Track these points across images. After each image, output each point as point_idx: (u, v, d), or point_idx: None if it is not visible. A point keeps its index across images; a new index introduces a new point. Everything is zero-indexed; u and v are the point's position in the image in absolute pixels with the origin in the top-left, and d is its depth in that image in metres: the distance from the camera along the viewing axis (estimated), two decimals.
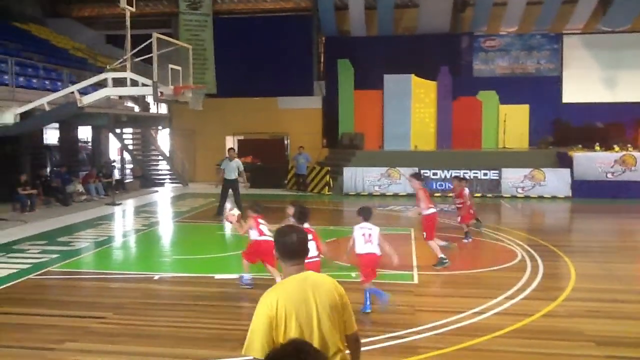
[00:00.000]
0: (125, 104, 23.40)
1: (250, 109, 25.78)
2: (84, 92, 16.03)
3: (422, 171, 20.25)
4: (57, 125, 20.95)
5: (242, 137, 26.31)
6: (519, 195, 20.07)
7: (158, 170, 26.77)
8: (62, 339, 6.60)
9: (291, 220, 7.83)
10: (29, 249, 11.59)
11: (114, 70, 15.89)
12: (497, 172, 20.29)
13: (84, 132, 24.09)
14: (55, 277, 9.54)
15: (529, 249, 11.37)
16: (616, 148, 20.28)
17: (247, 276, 8.67)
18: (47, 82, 18.62)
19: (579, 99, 25.34)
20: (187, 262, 10.75)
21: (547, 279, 9.13)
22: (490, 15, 26.02)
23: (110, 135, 24.17)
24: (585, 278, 9.24)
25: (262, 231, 8.48)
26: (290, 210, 8.01)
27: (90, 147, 24.47)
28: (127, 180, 23.98)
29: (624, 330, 6.86)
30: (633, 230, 14.87)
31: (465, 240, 12.21)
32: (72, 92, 15.72)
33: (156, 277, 9.46)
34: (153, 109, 26.15)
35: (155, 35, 14.62)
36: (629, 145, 20.65)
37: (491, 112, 23.89)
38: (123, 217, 17.00)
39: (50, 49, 22.73)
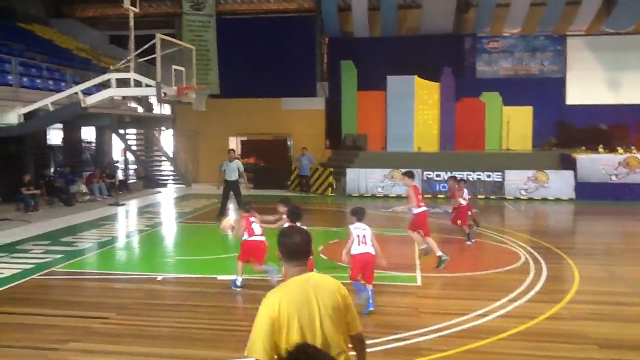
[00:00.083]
0: (128, 104, 23.43)
1: (253, 110, 25.78)
2: (87, 92, 16.08)
3: (425, 173, 20.32)
4: (60, 125, 20.99)
5: (245, 138, 26.34)
6: (522, 197, 20.03)
7: (161, 170, 26.81)
8: (65, 339, 6.61)
9: (284, 218, 7.86)
10: (32, 249, 11.61)
11: (118, 70, 15.94)
12: (500, 173, 20.25)
13: (88, 133, 24.12)
14: (58, 278, 9.55)
15: (533, 251, 11.35)
16: (620, 150, 20.23)
17: (239, 280, 8.66)
18: (50, 83, 18.66)
19: (582, 101, 25.30)
20: (190, 263, 10.75)
21: (550, 281, 9.11)
22: (493, 16, 26.00)
23: (114, 135, 24.22)
24: (589, 281, 9.21)
25: (252, 231, 8.54)
26: (282, 208, 8.06)
27: (93, 147, 24.51)
28: (131, 181, 24.02)
29: (628, 333, 6.84)
30: (637, 233, 14.82)
31: (469, 242, 12.19)
32: (76, 93, 15.78)
33: (159, 278, 9.47)
34: (156, 110, 26.17)
35: (158, 35, 14.66)
36: (632, 147, 20.60)
37: (494, 114, 23.86)
38: (126, 218, 17.02)
39: (54, 49, 22.78)
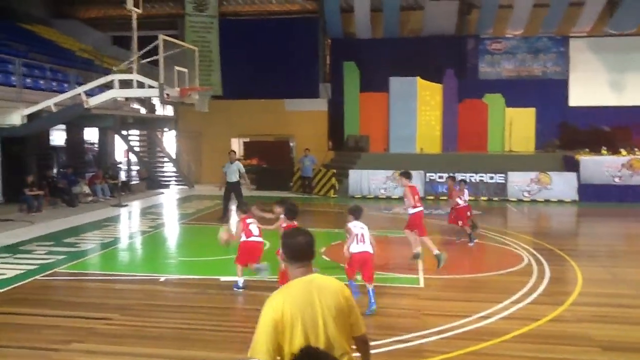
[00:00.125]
0: (131, 105, 23.46)
1: (256, 111, 25.80)
2: (90, 93, 16.11)
3: (427, 174, 20.31)
4: (63, 126, 21.02)
5: (248, 139, 26.38)
6: (525, 199, 20.01)
7: (164, 171, 26.84)
8: (67, 340, 6.62)
9: (282, 218, 7.90)
10: (35, 250, 11.63)
11: (121, 71, 15.96)
12: (503, 175, 20.23)
13: (91, 134, 24.16)
14: (61, 278, 9.56)
15: (536, 253, 11.33)
16: (623, 152, 20.21)
17: (240, 282, 8.69)
18: (53, 84, 18.69)
19: (585, 102, 25.26)
20: (192, 264, 10.75)
21: (553, 283, 9.09)
22: (496, 17, 25.99)
23: (117, 136, 24.25)
24: (592, 283, 9.19)
25: (250, 232, 8.60)
26: (278, 209, 8.14)
27: (96, 148, 24.54)
28: (133, 182, 24.05)
29: (631, 336, 6.82)
30: None
31: (470, 244, 12.17)
32: (79, 94, 15.80)
33: (162, 279, 9.48)
34: (159, 111, 26.22)
35: (161, 37, 14.69)
36: (635, 149, 20.57)
37: (497, 115, 23.84)
38: (129, 219, 17.03)
39: (56, 50, 22.81)
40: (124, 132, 24.01)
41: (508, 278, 9.48)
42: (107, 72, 17.94)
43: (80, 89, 16.00)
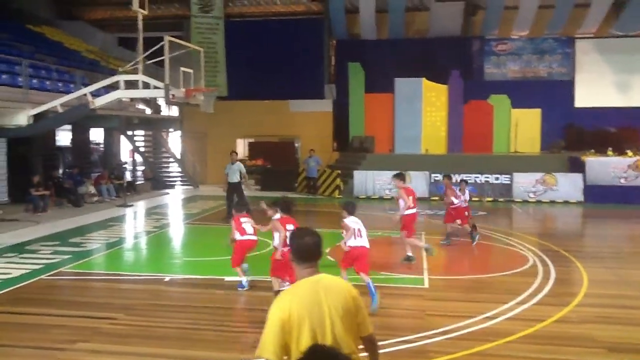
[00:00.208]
0: (136, 106, 23.54)
1: (261, 112, 25.83)
2: (96, 94, 16.17)
3: (432, 175, 20.28)
4: (69, 127, 21.10)
5: (253, 140, 26.40)
6: (530, 200, 19.96)
7: (169, 172, 26.89)
8: (73, 339, 6.64)
9: (277, 216, 7.96)
10: (41, 250, 11.68)
11: (126, 72, 16.01)
12: (508, 176, 20.19)
13: (96, 134, 24.24)
14: (67, 278, 9.60)
15: (541, 254, 11.30)
16: (629, 153, 20.12)
17: (244, 281, 8.75)
18: (60, 84, 18.77)
19: (591, 104, 25.16)
20: (197, 264, 10.77)
21: (558, 284, 9.06)
22: (501, 18, 25.91)
23: (122, 137, 24.32)
24: (598, 284, 9.17)
25: (243, 230, 8.76)
26: (270, 211, 8.26)
27: (102, 148, 24.63)
28: (138, 182, 24.11)
29: (636, 337, 6.79)
30: None
31: (474, 243, 12.15)
32: (85, 94, 15.86)
33: (167, 279, 9.50)
34: (164, 112, 26.28)
35: (167, 38, 14.72)
36: None
37: (502, 116, 23.78)
38: (134, 219, 17.08)
39: (63, 51, 22.91)
40: (130, 133, 24.07)
41: (513, 279, 9.46)
42: (113, 73, 18.01)
43: (86, 90, 16.06)
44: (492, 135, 23.79)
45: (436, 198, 19.81)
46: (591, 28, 25.99)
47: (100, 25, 28.70)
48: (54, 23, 26.60)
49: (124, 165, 24.35)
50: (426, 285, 9.12)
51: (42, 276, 9.56)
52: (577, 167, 20.07)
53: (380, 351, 6.17)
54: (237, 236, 8.77)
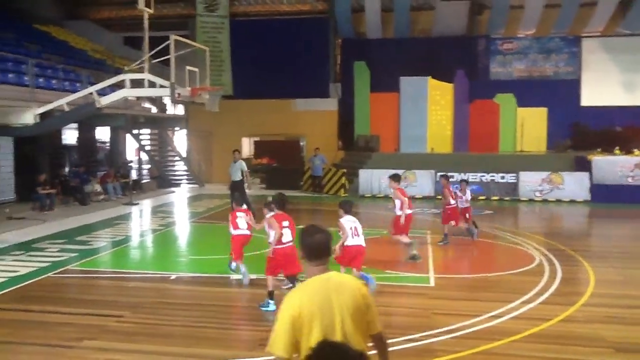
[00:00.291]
0: (142, 105, 23.58)
1: (266, 111, 25.82)
2: (102, 93, 16.20)
3: (438, 174, 20.24)
4: (75, 125, 21.17)
5: (258, 139, 26.41)
6: (536, 199, 19.90)
7: (175, 170, 26.95)
8: (80, 337, 6.66)
9: (272, 213, 8.04)
10: (48, 248, 11.73)
11: (132, 71, 16.06)
12: (514, 175, 20.13)
13: (102, 133, 24.32)
14: (73, 276, 9.65)
15: (547, 253, 11.26)
16: (636, 152, 20.03)
17: (245, 276, 8.91)
18: (66, 83, 18.83)
19: (598, 102, 25.03)
20: (203, 263, 10.80)
21: (565, 283, 9.03)
22: (507, 18, 25.85)
23: (128, 135, 24.39)
24: (604, 283, 9.13)
25: (236, 224, 9.00)
26: (265, 209, 8.43)
27: (108, 147, 24.70)
28: (144, 181, 24.17)
29: None
30: None
31: (475, 238, 12.15)
32: (91, 93, 15.90)
33: (173, 277, 9.52)
34: (170, 110, 26.33)
35: (172, 37, 14.74)
36: None
37: (508, 115, 23.72)
38: (140, 217, 17.13)
39: (69, 50, 22.99)
40: (135, 131, 24.13)
41: (519, 278, 9.43)
42: (119, 71, 18.08)
43: (92, 89, 16.10)
44: (498, 135, 23.73)
45: (441, 197, 19.76)
46: (598, 27, 25.88)
47: (106, 25, 28.77)
48: (60, 23, 26.69)
49: (129, 164, 24.42)
50: (432, 283, 9.11)
51: (49, 274, 9.61)
52: (584, 166, 19.99)
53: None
54: (231, 230, 9.02)
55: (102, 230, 14.15)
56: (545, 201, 19.75)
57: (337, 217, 8.46)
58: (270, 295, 7.60)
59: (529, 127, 23.52)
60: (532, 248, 11.78)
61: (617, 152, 20.37)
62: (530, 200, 19.85)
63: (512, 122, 23.78)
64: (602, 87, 25.43)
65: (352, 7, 26.33)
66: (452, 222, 12.27)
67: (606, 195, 19.13)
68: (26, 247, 11.83)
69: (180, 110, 27.06)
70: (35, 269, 9.93)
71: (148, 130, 26.31)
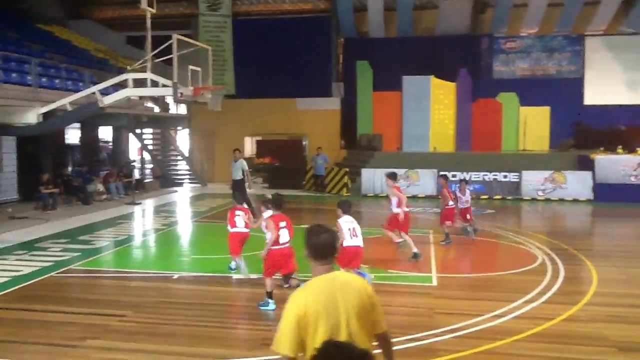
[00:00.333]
0: (145, 104, 23.59)
1: (268, 110, 25.82)
2: (105, 92, 16.22)
3: (442, 173, 20.22)
4: (78, 125, 21.21)
5: (260, 138, 26.41)
6: (539, 198, 19.86)
7: (177, 170, 26.99)
8: (83, 336, 6.68)
9: (269, 213, 8.06)
10: (50, 247, 11.75)
11: (135, 71, 16.04)
12: (517, 174, 20.10)
13: (105, 132, 24.36)
14: (76, 275, 9.66)
15: (550, 252, 11.24)
16: (639, 151, 19.97)
17: (242, 265, 9.16)
18: (69, 83, 18.86)
19: (601, 101, 24.97)
20: (205, 262, 10.81)
21: (568, 283, 9.02)
22: (510, 16, 25.79)
23: (131, 135, 24.41)
24: (607, 283, 9.11)
25: (234, 222, 9.18)
26: (262, 208, 8.58)
27: (110, 147, 24.74)
28: (147, 180, 24.19)
29: None
30: None
31: (473, 237, 12.15)
32: (94, 93, 15.91)
33: (175, 277, 9.54)
34: (172, 110, 26.35)
35: (175, 36, 14.74)
36: None
37: (511, 114, 23.67)
38: (143, 217, 17.16)
39: (72, 50, 23.03)
40: (138, 131, 24.13)
41: (522, 277, 9.42)
42: (122, 71, 18.08)
43: (95, 88, 16.11)
44: (500, 133, 23.69)
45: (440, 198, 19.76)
46: (601, 25, 25.80)
47: (109, 24, 28.81)
48: (62, 22, 26.74)
49: (132, 163, 24.44)
50: (435, 283, 9.10)
51: (52, 273, 9.63)
52: (586, 165, 19.95)
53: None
54: (229, 228, 9.21)
55: (105, 229, 14.18)
56: (547, 200, 19.71)
57: (336, 218, 8.45)
58: (269, 294, 7.61)
59: (532, 126, 23.47)
60: (535, 247, 11.76)
61: (620, 151, 20.33)
62: (533, 200, 19.82)
63: (514, 121, 23.73)
64: (605, 85, 25.36)
65: (354, 6, 26.31)
66: (448, 222, 12.27)
67: (609, 195, 19.08)
68: (29, 246, 11.86)
69: (182, 109, 27.08)
70: (38, 268, 9.95)
71: (151, 130, 26.36)
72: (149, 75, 15.20)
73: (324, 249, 3.24)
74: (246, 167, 15.91)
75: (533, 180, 19.97)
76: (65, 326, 7.06)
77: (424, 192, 20.07)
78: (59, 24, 25.96)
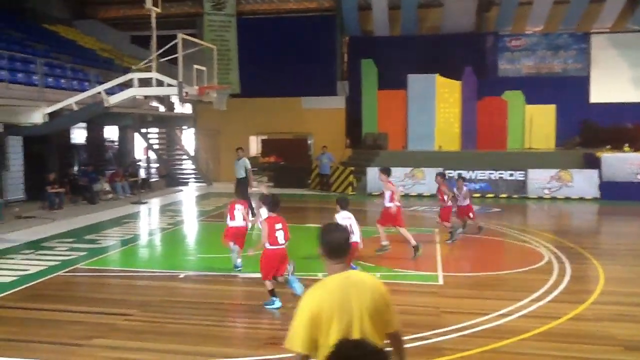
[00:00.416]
0: (150, 104, 23.65)
1: (273, 109, 25.84)
2: (110, 92, 16.26)
3: (446, 172, 20.17)
4: (84, 124, 21.27)
5: (265, 137, 26.43)
6: (545, 197, 19.80)
7: (183, 169, 27.04)
8: (89, 335, 6.70)
9: (265, 215, 8.30)
10: (57, 247, 11.80)
11: (140, 70, 16.08)
12: (523, 172, 20.04)
13: (111, 132, 24.42)
14: (82, 275, 9.70)
15: (556, 250, 11.21)
16: None
17: (238, 262, 9.47)
18: (74, 83, 18.92)
19: (607, 99, 24.86)
20: (211, 261, 10.81)
21: (574, 281, 8.99)
22: (515, 14, 25.71)
23: (136, 134, 24.47)
24: (614, 281, 9.07)
25: (233, 215, 9.45)
26: (260, 205, 8.79)
27: (116, 146, 24.81)
28: (153, 179, 24.25)
29: None
30: None
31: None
32: (99, 92, 15.95)
33: (181, 276, 9.55)
34: (178, 109, 26.39)
35: (180, 35, 14.76)
36: None
37: (517, 112, 23.61)
38: (149, 216, 17.20)
39: (77, 49, 23.09)
40: (144, 130, 24.21)
41: (528, 276, 9.39)
42: (127, 71, 18.12)
43: (100, 88, 16.15)
44: (506, 132, 23.63)
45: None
46: (606, 23, 25.69)
47: (114, 24, 28.89)
48: (68, 22, 26.82)
49: (138, 163, 24.51)
50: (440, 282, 9.09)
51: (59, 273, 9.66)
52: (593, 163, 19.87)
53: None
54: (227, 221, 9.47)
55: (111, 229, 14.22)
56: (554, 199, 19.65)
57: (335, 214, 8.54)
58: (272, 293, 7.61)
59: (538, 124, 23.40)
60: (541, 246, 11.73)
61: (627, 149, 20.24)
62: (539, 198, 19.75)
63: (520, 119, 23.67)
64: (611, 83, 25.25)
65: (359, 5, 26.27)
66: (446, 223, 12.27)
67: (615, 193, 19.00)
68: (36, 246, 11.90)
69: (188, 109, 27.11)
70: (44, 267, 9.99)
71: (156, 129, 26.41)
72: (154, 75, 15.23)
73: (338, 248, 3.25)
74: (249, 166, 15.93)
75: (539, 179, 19.90)
76: (71, 325, 7.09)
77: (429, 191, 20.02)
78: (64, 23, 26.04)
